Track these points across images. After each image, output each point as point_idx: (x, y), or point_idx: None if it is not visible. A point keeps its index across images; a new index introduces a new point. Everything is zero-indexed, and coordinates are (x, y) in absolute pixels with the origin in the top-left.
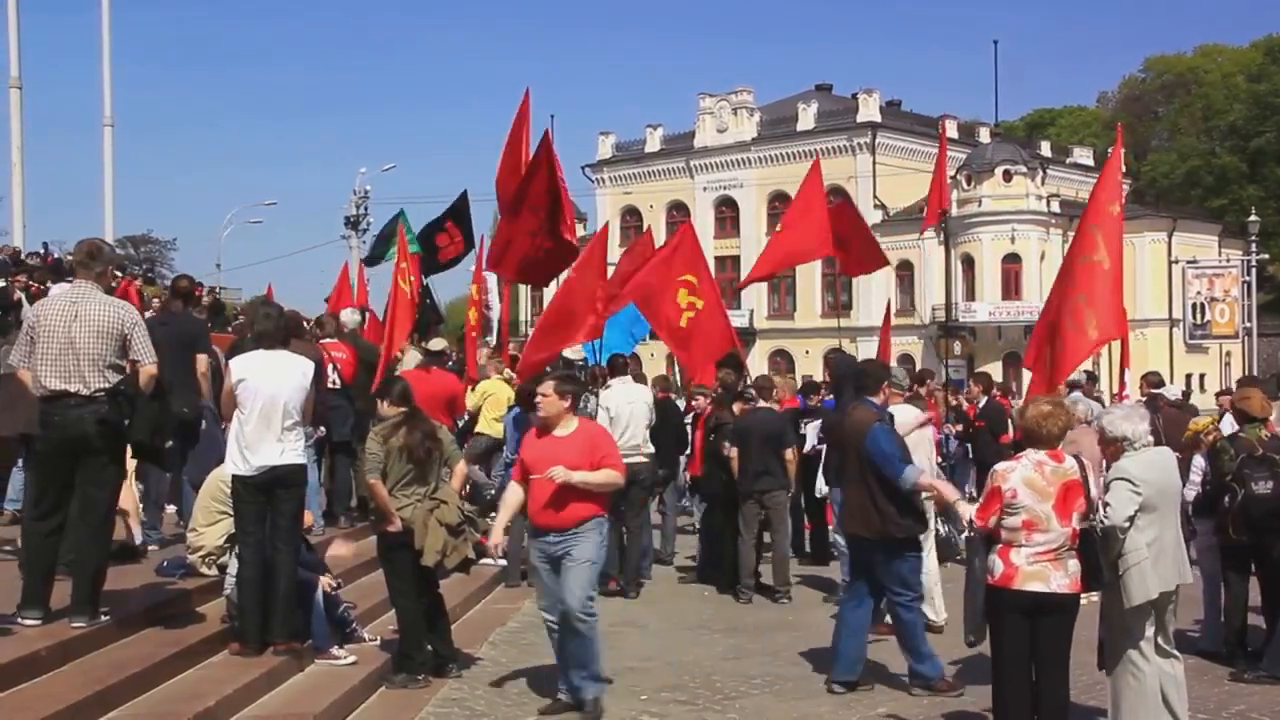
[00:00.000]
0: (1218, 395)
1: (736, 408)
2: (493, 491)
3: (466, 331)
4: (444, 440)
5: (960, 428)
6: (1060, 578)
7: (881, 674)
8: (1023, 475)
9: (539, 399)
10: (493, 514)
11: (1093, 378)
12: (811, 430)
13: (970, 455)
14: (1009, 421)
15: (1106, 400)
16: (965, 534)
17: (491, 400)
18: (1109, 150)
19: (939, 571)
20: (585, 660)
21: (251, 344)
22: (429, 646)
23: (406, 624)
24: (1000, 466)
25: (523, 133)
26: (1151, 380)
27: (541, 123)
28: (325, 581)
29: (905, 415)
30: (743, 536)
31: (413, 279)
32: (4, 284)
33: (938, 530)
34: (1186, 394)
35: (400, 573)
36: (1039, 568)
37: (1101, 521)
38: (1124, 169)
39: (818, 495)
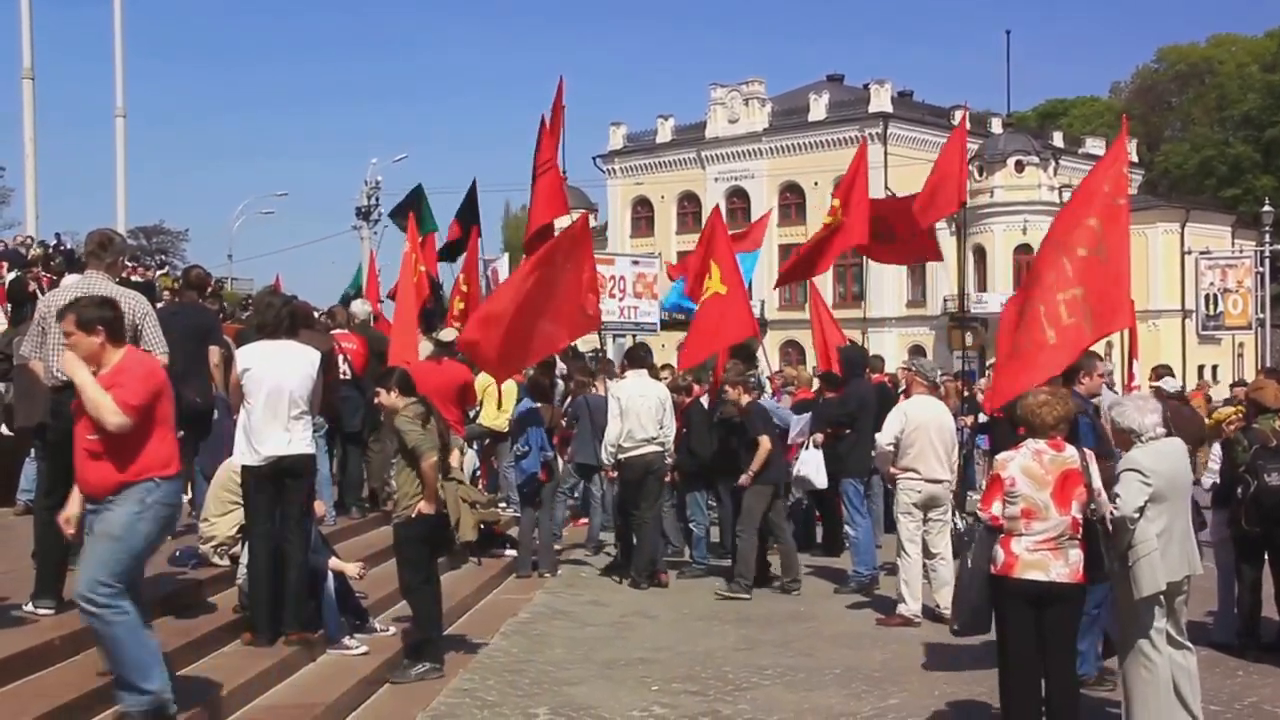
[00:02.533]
0: (1232, 386)
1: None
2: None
3: (447, 321)
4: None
5: (972, 419)
6: (1060, 567)
7: (892, 665)
8: (1021, 464)
9: (65, 341)
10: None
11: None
12: (795, 423)
13: (987, 447)
14: None
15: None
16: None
17: (490, 392)
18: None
19: (952, 564)
20: (113, 663)
21: (254, 334)
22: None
23: (424, 612)
24: (1000, 456)
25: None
26: (1159, 373)
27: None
28: (355, 568)
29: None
30: (745, 530)
31: (423, 268)
32: (19, 275)
33: (955, 525)
34: (1236, 383)
35: (415, 565)
36: (1039, 556)
37: (1112, 513)
38: (1135, 159)
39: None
